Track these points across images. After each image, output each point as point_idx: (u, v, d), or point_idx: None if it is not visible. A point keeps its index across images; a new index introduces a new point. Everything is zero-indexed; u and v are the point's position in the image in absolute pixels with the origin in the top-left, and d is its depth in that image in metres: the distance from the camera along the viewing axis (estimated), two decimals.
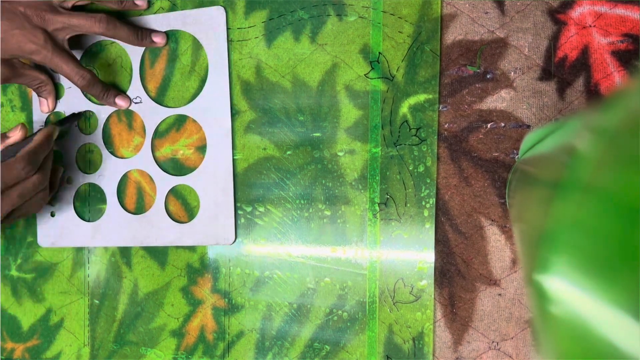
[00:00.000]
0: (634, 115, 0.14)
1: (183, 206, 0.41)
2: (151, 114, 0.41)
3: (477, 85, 0.35)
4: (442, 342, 0.36)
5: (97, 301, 0.43)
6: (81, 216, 0.43)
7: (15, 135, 0.38)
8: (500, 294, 0.35)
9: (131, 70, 0.41)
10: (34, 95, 0.43)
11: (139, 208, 0.42)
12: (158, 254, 0.41)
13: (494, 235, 0.35)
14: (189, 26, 0.39)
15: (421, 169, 0.36)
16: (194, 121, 0.40)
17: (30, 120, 0.43)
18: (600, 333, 0.13)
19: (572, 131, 0.20)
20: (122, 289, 0.42)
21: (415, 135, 0.36)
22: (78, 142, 0.43)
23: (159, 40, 0.40)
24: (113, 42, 0.42)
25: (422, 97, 0.36)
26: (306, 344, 0.38)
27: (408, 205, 0.36)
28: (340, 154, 0.37)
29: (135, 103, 0.41)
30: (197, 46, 0.40)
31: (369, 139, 0.37)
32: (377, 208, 0.37)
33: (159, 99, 0.41)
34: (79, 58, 0.42)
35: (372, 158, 0.37)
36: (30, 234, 0.44)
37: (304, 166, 0.38)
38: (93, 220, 0.42)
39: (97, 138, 0.42)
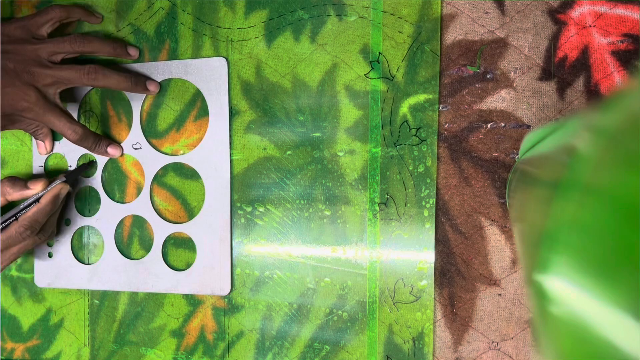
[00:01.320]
0: (634, 115, 0.14)
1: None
2: (150, 160, 0.41)
3: (477, 85, 0.35)
4: (442, 342, 0.36)
5: (97, 301, 0.43)
6: (78, 258, 0.43)
7: (36, 188, 0.39)
8: (500, 294, 0.35)
9: (131, 115, 0.41)
10: (32, 139, 0.43)
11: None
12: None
13: (494, 235, 0.35)
14: (191, 75, 0.40)
15: (421, 169, 0.36)
16: (194, 122, 0.40)
17: (29, 164, 0.44)
18: (600, 333, 0.13)
19: (572, 131, 0.20)
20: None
21: (415, 135, 0.36)
22: (78, 185, 0.43)
23: (152, 88, 0.40)
24: None
25: (422, 97, 0.36)
26: (306, 344, 0.38)
27: (408, 205, 0.36)
28: (340, 154, 0.37)
29: (135, 149, 0.41)
30: (197, 46, 0.40)
31: (369, 139, 0.37)
32: (377, 208, 0.37)
33: (159, 98, 0.41)
34: (76, 109, 0.42)
35: (372, 158, 0.37)
36: None
37: (304, 166, 0.38)
38: (90, 263, 0.43)
39: (97, 181, 0.42)
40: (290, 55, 0.38)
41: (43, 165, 0.43)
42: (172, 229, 0.41)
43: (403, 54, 0.36)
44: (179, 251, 0.41)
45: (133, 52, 0.40)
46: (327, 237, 0.38)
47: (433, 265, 0.36)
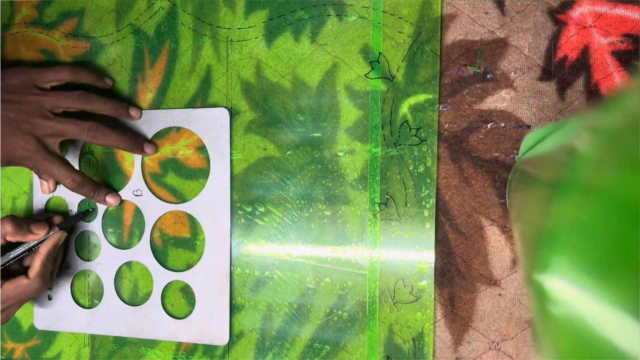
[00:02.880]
0: (634, 115, 0.14)
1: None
2: (151, 208, 0.41)
3: (477, 85, 0.35)
4: (442, 342, 0.36)
5: (97, 301, 0.43)
6: (78, 302, 0.43)
7: (40, 234, 0.39)
8: (500, 294, 0.35)
9: (133, 160, 0.42)
10: (35, 177, 0.43)
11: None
12: (158, 254, 0.41)
13: (494, 235, 0.35)
14: (192, 124, 0.40)
15: (421, 169, 0.36)
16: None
17: (30, 206, 0.44)
18: (600, 333, 0.13)
19: (572, 131, 0.20)
20: (122, 289, 0.42)
21: (415, 135, 0.36)
22: (78, 229, 0.43)
23: (149, 150, 0.40)
24: (113, 43, 0.42)
25: (422, 97, 0.36)
26: (306, 344, 0.38)
27: (408, 205, 0.36)
28: (340, 154, 0.37)
29: (136, 196, 0.41)
30: (197, 46, 0.40)
31: (369, 139, 0.37)
32: (377, 208, 0.37)
33: (159, 98, 0.41)
34: (76, 159, 0.42)
35: (372, 158, 0.37)
36: None
37: (304, 166, 0.38)
38: (90, 307, 0.43)
39: (97, 226, 0.42)
40: (290, 55, 0.38)
41: (43, 207, 0.43)
42: (172, 276, 0.41)
43: (403, 54, 0.36)
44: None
45: (134, 113, 0.40)
46: (327, 237, 0.38)
47: (433, 265, 0.36)
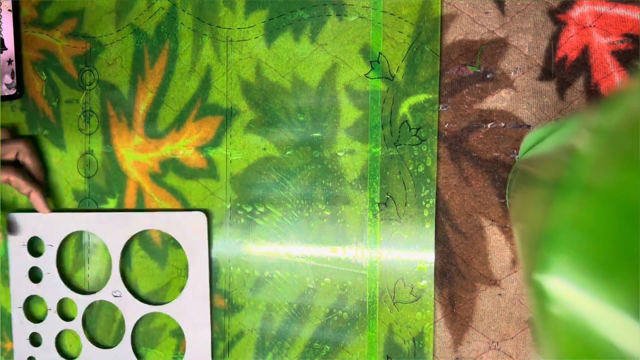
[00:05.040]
0: (634, 115, 0.14)
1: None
2: (131, 309, 0.41)
3: (477, 85, 0.35)
4: (442, 342, 0.36)
5: (97, 301, 0.43)
6: None
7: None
8: (500, 294, 0.35)
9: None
10: None
11: None
12: (158, 254, 0.41)
13: (494, 235, 0.35)
14: (172, 228, 0.40)
15: (421, 169, 0.36)
16: (194, 121, 0.40)
17: (31, 205, 0.44)
18: (600, 333, 0.13)
19: (572, 131, 0.20)
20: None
21: (415, 135, 0.36)
22: (58, 327, 0.43)
23: (41, 209, 0.42)
24: (113, 43, 0.42)
25: (422, 97, 0.36)
26: (306, 344, 0.38)
27: (408, 205, 0.36)
28: (340, 154, 0.37)
29: (115, 297, 0.41)
30: (197, 46, 0.40)
31: (369, 139, 0.37)
32: (377, 208, 0.37)
33: (159, 98, 0.41)
34: None
35: (372, 158, 0.37)
36: None
37: (304, 166, 0.38)
38: None
39: (77, 325, 0.42)
40: (290, 55, 0.38)
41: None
42: None
43: (403, 54, 0.36)
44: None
45: (42, 207, 0.42)
46: (327, 237, 0.38)
47: (433, 265, 0.36)
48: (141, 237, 0.41)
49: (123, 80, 0.41)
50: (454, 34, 0.35)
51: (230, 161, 0.39)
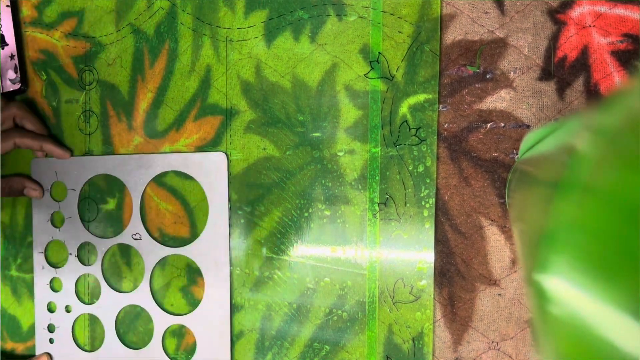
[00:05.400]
0: (634, 115, 0.14)
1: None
2: (150, 252, 0.41)
3: (476, 85, 0.35)
4: (441, 342, 0.36)
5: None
6: (79, 345, 0.43)
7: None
8: (500, 294, 0.35)
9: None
10: (32, 172, 0.44)
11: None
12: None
13: (493, 235, 0.35)
14: (191, 168, 0.40)
15: (421, 169, 0.36)
16: (194, 121, 0.40)
17: (29, 202, 0.43)
18: (600, 333, 0.13)
19: (572, 131, 0.20)
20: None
21: (415, 135, 0.36)
22: (78, 272, 0.43)
23: (34, 194, 0.43)
24: (113, 43, 0.42)
25: (421, 97, 0.36)
26: (306, 343, 0.38)
27: (408, 205, 0.36)
28: (340, 154, 0.37)
29: (135, 239, 0.41)
30: (197, 46, 0.40)
31: (368, 139, 0.37)
32: (377, 208, 0.37)
33: (159, 98, 0.41)
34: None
35: (371, 158, 0.37)
36: (30, 233, 0.44)
37: (303, 166, 0.38)
38: (91, 351, 0.43)
39: (97, 269, 0.42)
40: (290, 55, 0.38)
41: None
42: (172, 320, 0.41)
43: (403, 54, 0.36)
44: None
45: (35, 193, 0.43)
46: (326, 237, 0.38)
47: (433, 265, 0.36)
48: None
49: (123, 80, 0.41)
50: (453, 34, 0.35)
51: (230, 161, 0.39)
